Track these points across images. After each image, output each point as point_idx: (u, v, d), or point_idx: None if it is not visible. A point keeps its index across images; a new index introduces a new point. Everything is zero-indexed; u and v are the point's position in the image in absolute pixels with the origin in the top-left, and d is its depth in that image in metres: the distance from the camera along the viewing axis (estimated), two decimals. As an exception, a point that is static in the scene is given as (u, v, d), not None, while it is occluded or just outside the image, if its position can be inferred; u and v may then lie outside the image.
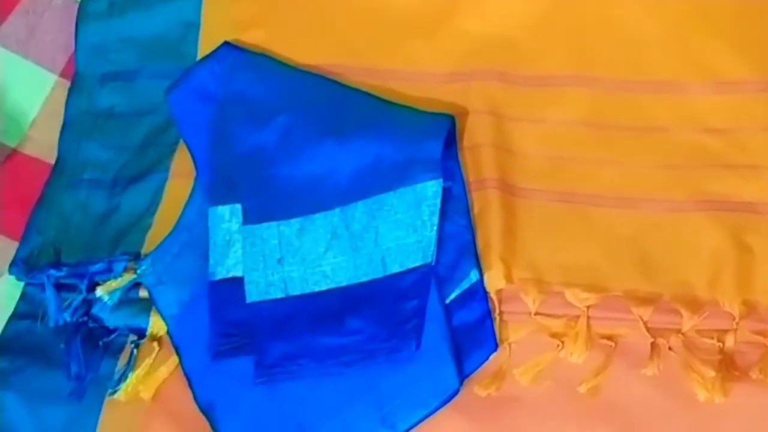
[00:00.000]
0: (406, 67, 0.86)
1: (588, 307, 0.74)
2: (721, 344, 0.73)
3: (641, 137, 0.81)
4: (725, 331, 0.74)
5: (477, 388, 0.74)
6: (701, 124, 0.81)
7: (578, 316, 0.75)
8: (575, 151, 0.81)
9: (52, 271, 0.81)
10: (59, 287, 0.81)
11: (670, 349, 0.73)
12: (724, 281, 0.74)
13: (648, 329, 0.74)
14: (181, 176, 0.84)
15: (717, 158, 0.80)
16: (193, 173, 0.83)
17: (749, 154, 0.79)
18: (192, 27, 0.91)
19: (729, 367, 0.72)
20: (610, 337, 0.74)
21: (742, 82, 0.82)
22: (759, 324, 0.73)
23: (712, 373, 0.72)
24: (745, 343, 0.73)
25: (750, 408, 0.71)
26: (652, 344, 0.73)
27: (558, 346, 0.74)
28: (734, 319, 0.73)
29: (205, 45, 0.89)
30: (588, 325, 0.74)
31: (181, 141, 0.85)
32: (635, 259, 0.76)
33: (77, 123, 0.90)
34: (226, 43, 0.87)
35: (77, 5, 0.94)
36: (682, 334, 0.74)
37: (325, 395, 0.75)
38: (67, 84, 0.92)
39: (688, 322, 0.73)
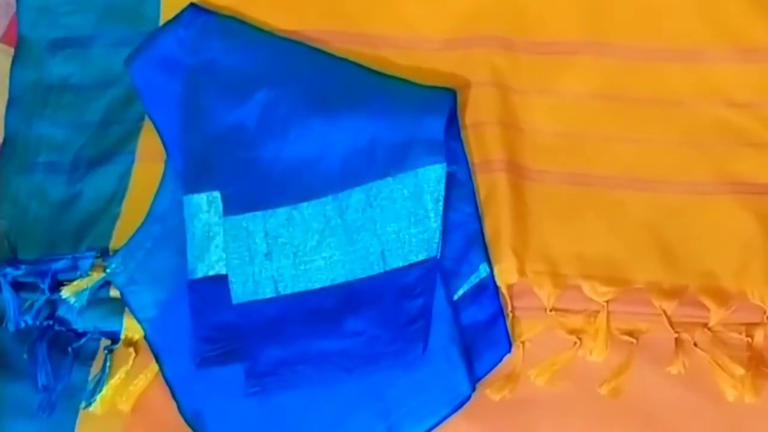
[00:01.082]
0: (400, 33, 0.79)
1: (607, 302, 0.70)
2: (750, 339, 0.70)
3: (660, 111, 0.76)
4: (754, 325, 0.70)
5: (489, 391, 0.70)
6: (725, 96, 0.76)
7: (597, 311, 0.71)
8: (588, 127, 0.76)
9: (9, 269, 0.75)
10: (17, 286, 0.75)
11: (695, 345, 0.70)
12: (753, 271, 0.70)
13: (672, 324, 0.70)
14: (149, 159, 0.77)
15: (741, 135, 0.75)
16: (164, 155, 0.76)
17: None
18: (152, -16, 0.82)
19: (759, 364, 0.69)
20: (631, 333, 0.71)
21: (767, 49, 0.76)
22: (791, 317, 0.70)
23: (741, 371, 0.69)
24: (777, 337, 0.70)
25: (783, 408, 0.69)
26: (677, 340, 0.70)
27: (575, 343, 0.71)
28: (764, 312, 0.70)
29: (169, 6, 0.81)
30: (608, 321, 0.70)
31: (148, 118, 0.78)
32: (656, 247, 0.72)
33: (26, 97, 0.81)
34: (193, 5, 0.79)
35: (15, -42, 0.84)
36: (709, 328, 0.70)
37: (324, 405, 0.70)
38: (10, 51, 0.83)
39: (715, 315, 0.70)
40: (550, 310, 0.70)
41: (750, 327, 0.70)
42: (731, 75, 0.76)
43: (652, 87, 0.76)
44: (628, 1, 0.78)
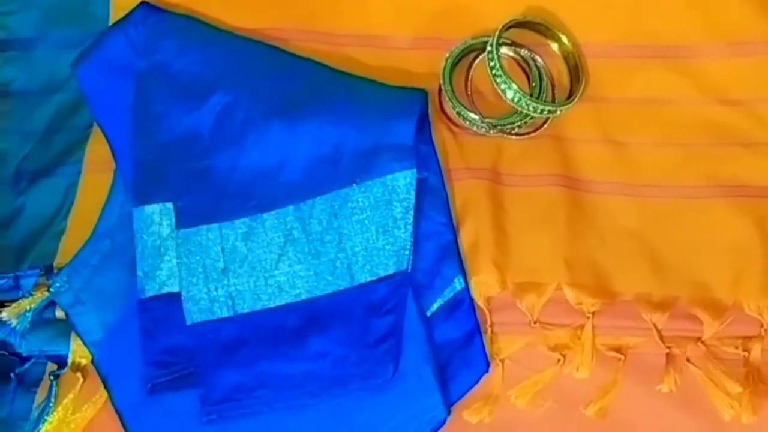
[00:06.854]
0: (365, 30, 0.75)
1: (593, 314, 0.67)
2: (746, 354, 0.67)
3: (646, 111, 0.73)
4: (751, 339, 0.68)
5: (467, 414, 0.67)
6: (716, 94, 0.73)
7: (582, 325, 0.67)
8: (568, 128, 0.72)
9: (-54, 291, 0.71)
10: (-47, 307, 0.71)
11: (688, 360, 0.67)
12: (749, 280, 0.68)
13: (662, 338, 0.67)
14: (97, 169, 0.74)
15: (735, 135, 0.72)
16: (113, 165, 0.72)
17: None
18: (101, -18, 0.79)
19: (756, 380, 0.67)
20: (618, 349, 0.68)
21: (761, 42, 0.73)
22: (790, 330, 0.68)
23: (738, 388, 0.66)
24: (775, 351, 0.68)
25: (783, 427, 0.66)
26: (668, 355, 0.67)
27: (559, 360, 0.67)
28: (761, 324, 0.67)
29: (118, 5, 0.77)
30: (593, 335, 0.66)
31: (96, 125, 0.74)
32: (645, 256, 0.68)
33: (-35, 103, 0.78)
34: (144, 3, 0.75)
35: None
36: (702, 342, 0.67)
37: (287, 432, 0.66)
38: (-53, 54, 0.79)
39: (709, 329, 0.67)
40: (534, 324, 0.66)
41: (746, 341, 0.68)
42: (723, 71, 0.73)
43: (635, 86, 0.73)
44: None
